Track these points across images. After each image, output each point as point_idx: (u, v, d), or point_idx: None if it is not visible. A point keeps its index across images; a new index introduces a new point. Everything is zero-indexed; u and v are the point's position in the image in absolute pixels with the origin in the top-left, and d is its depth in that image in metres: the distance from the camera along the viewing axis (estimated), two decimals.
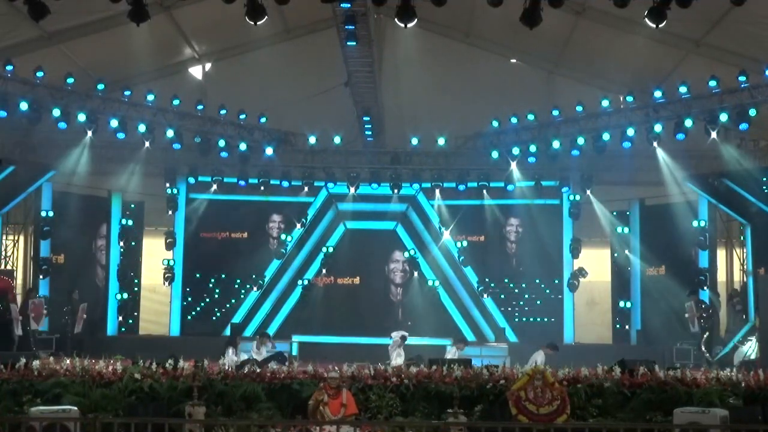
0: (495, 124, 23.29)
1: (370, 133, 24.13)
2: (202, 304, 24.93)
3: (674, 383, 13.09)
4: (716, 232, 23.59)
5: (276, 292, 24.95)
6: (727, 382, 13.23)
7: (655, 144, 21.83)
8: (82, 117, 21.36)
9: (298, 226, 25.03)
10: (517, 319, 24.49)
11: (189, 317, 24.77)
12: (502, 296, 24.66)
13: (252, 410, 12.99)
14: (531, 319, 24.45)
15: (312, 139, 24.06)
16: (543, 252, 24.65)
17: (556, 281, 24.50)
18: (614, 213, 24.56)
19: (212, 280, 24.93)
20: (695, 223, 22.93)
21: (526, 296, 24.67)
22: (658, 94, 21.19)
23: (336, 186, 24.70)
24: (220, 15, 19.29)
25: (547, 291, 24.57)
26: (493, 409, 12.78)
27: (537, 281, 24.66)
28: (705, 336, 20.73)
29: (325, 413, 12.28)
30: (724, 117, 20.30)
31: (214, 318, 24.80)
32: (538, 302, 24.56)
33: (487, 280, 24.68)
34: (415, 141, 23.88)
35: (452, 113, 23.92)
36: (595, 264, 24.65)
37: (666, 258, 23.56)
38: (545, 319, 24.43)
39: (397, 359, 17.49)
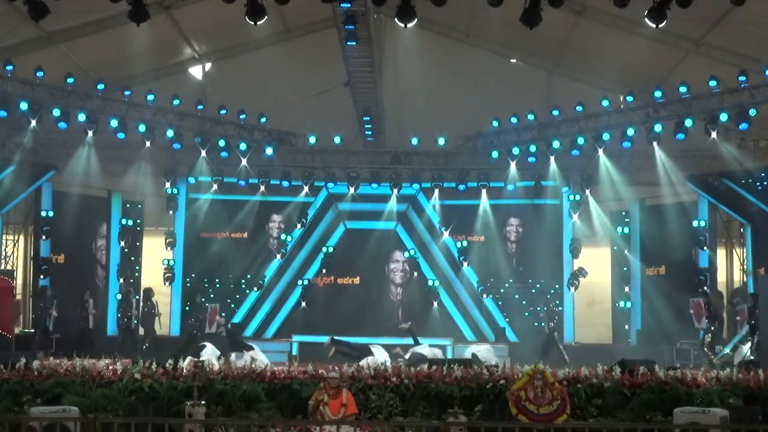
0: (495, 124, 23.36)
1: (370, 133, 24.15)
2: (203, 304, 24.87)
3: (674, 383, 13.08)
4: (716, 232, 23.56)
5: (276, 292, 24.90)
6: (727, 382, 13.22)
7: (654, 144, 21.83)
8: (82, 117, 21.41)
9: (298, 226, 25.01)
10: (517, 319, 24.45)
11: (189, 317, 24.70)
12: (503, 297, 24.65)
13: (252, 410, 12.99)
14: (531, 319, 24.39)
15: (312, 139, 24.08)
16: (543, 252, 24.62)
17: (556, 281, 24.48)
18: (614, 213, 24.59)
19: (212, 280, 24.90)
20: (695, 223, 22.90)
21: (526, 296, 24.64)
22: (658, 94, 21.22)
23: (336, 186, 24.67)
24: (220, 15, 19.31)
25: (547, 291, 24.54)
26: (493, 409, 12.78)
27: (537, 281, 24.64)
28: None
29: (325, 413, 12.26)
30: (724, 117, 20.32)
31: None
32: (538, 302, 24.52)
33: (486, 280, 24.67)
34: (415, 141, 23.92)
35: (452, 113, 23.97)
36: (595, 264, 24.62)
37: (666, 258, 23.53)
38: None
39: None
